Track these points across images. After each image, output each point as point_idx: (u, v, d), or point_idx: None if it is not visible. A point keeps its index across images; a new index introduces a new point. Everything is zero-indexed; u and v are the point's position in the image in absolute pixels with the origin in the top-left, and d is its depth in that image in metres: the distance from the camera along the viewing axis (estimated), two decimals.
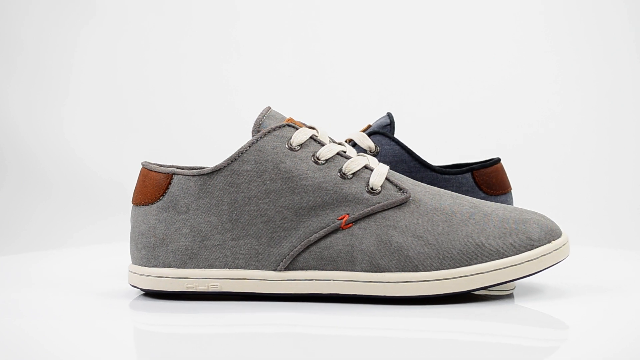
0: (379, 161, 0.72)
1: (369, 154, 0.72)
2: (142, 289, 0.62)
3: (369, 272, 0.57)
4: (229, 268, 0.59)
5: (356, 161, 0.60)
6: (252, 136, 0.60)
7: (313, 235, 0.58)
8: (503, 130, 1.42)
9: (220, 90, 1.50)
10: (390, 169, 0.71)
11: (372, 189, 0.59)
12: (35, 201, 1.33)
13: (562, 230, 0.61)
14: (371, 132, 0.73)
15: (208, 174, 0.59)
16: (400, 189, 0.59)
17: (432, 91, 1.46)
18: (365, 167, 0.60)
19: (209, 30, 1.53)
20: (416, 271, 0.57)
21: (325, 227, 0.58)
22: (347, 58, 1.50)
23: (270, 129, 0.60)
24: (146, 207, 0.61)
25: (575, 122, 1.42)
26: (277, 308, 0.58)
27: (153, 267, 0.61)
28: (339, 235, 0.58)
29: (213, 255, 0.59)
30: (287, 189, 0.58)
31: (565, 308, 0.58)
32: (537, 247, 0.58)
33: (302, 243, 0.58)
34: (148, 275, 0.61)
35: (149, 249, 0.61)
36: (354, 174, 0.59)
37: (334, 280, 0.58)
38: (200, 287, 0.60)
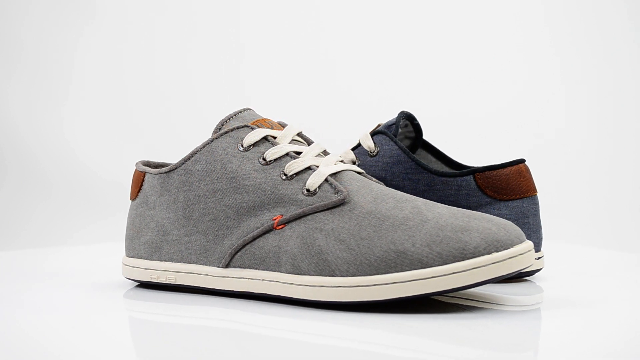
0: (379, 162, 0.69)
1: (369, 155, 0.70)
2: (125, 277, 0.67)
3: (291, 274, 0.57)
4: (184, 262, 0.62)
5: (300, 162, 0.59)
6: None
7: (249, 235, 0.59)
8: (503, 131, 1.38)
9: (222, 90, 1.48)
10: (388, 170, 0.69)
11: (307, 190, 0.58)
12: (35, 201, 1.36)
13: (520, 241, 0.54)
14: (374, 133, 0.71)
15: (166, 172, 0.63)
16: (337, 191, 0.57)
17: (460, 93, 1.42)
18: (309, 167, 0.59)
19: (214, 30, 1.51)
20: (333, 276, 0.55)
21: (260, 227, 0.59)
22: (366, 61, 1.46)
23: (227, 130, 0.61)
24: (132, 202, 0.67)
25: (577, 122, 1.37)
26: (224, 304, 0.59)
27: (131, 257, 0.66)
28: (270, 235, 0.58)
29: (172, 249, 0.63)
30: (231, 189, 0.60)
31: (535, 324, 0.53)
32: (470, 258, 0.52)
33: (239, 242, 0.59)
34: (127, 265, 0.66)
35: (129, 240, 0.66)
36: (296, 174, 0.59)
37: (262, 279, 0.58)
38: (160, 279, 0.64)
